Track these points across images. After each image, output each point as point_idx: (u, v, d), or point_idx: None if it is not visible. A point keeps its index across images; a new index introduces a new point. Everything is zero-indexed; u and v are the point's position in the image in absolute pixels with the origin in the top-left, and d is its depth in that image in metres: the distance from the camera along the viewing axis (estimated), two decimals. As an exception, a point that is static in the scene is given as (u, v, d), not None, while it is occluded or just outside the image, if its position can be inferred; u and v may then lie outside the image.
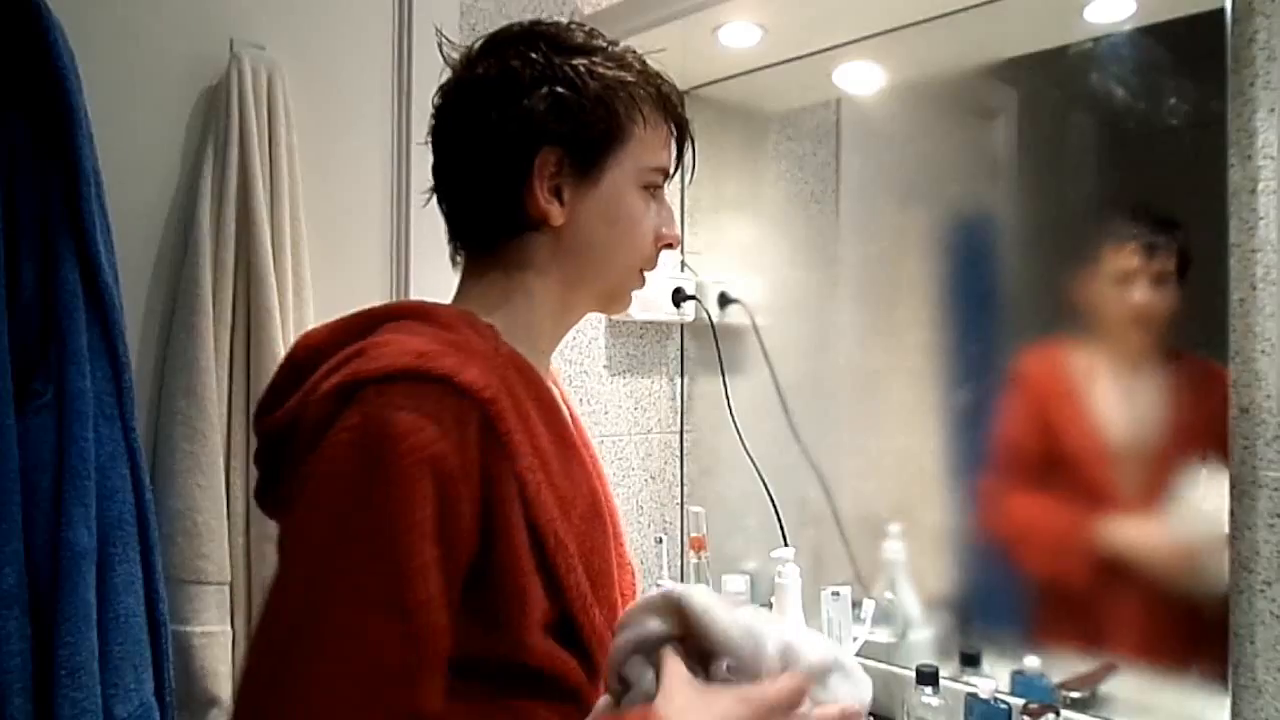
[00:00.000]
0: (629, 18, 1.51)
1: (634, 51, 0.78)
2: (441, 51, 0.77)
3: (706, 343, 1.69)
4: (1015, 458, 1.33)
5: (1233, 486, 1.07)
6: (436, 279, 1.39)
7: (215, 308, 1.12)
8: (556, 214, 0.72)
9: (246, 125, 1.14)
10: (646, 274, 0.80)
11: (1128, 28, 1.20)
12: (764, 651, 0.63)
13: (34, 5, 0.93)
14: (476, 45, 0.75)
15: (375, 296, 1.35)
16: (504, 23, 1.48)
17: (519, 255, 0.74)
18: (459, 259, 0.79)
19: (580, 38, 0.75)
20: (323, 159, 1.28)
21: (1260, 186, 1.06)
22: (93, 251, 0.96)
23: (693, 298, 1.68)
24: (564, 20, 0.77)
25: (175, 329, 1.11)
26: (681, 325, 1.75)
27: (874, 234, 1.51)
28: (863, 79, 1.52)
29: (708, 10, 1.40)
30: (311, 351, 0.68)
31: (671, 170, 0.80)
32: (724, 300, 1.69)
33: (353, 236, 1.33)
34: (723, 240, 1.72)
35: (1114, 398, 1.21)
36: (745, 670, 0.63)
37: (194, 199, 1.13)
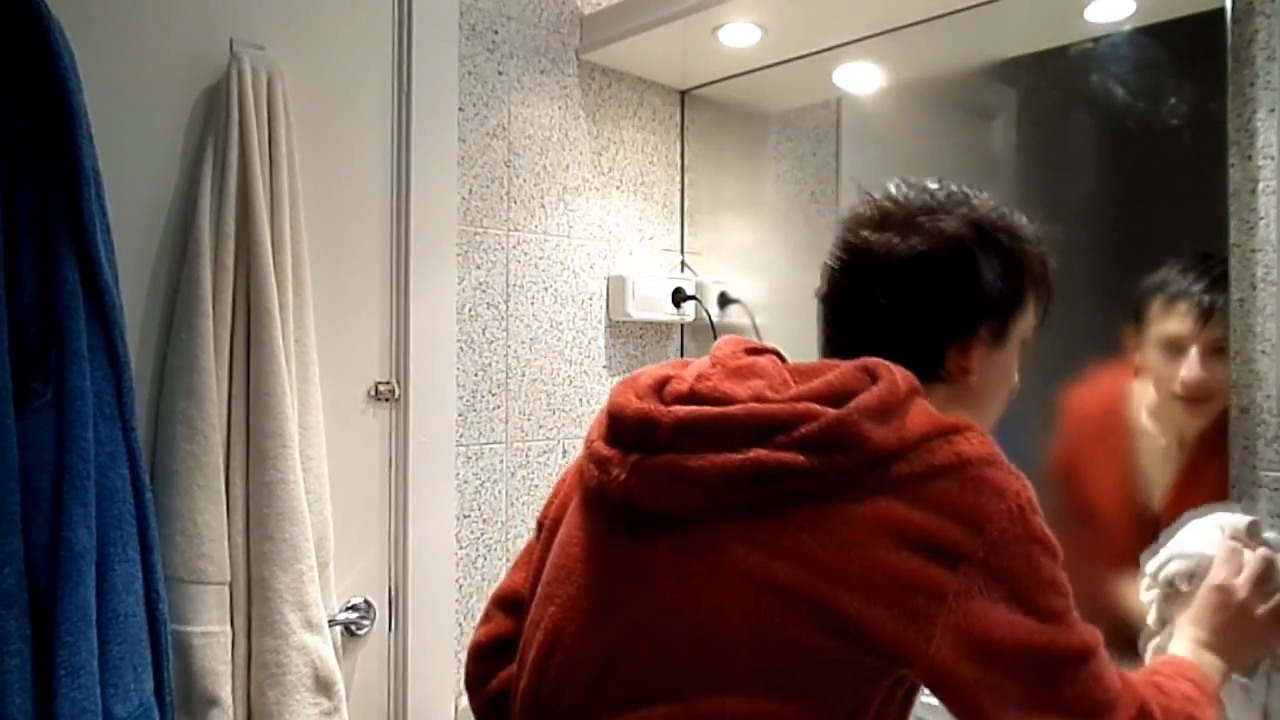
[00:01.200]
0: (629, 18, 1.51)
1: (1036, 226, 0.85)
2: (871, 202, 0.83)
3: (706, 343, 1.68)
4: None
5: (1232, 487, 1.07)
6: (434, 278, 1.40)
7: (215, 307, 1.12)
8: (975, 376, 0.79)
9: (246, 125, 1.14)
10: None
11: (1128, 28, 1.20)
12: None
13: (34, 5, 0.93)
14: (897, 208, 0.81)
15: (375, 296, 1.35)
16: (503, 22, 1.50)
17: (927, 394, 0.77)
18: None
19: (1013, 220, 0.82)
20: (322, 159, 1.28)
21: (1260, 186, 1.06)
22: (93, 251, 0.96)
23: (693, 298, 1.68)
24: (999, 207, 0.82)
25: (175, 329, 1.12)
26: (681, 325, 1.75)
27: (874, 234, 1.51)
28: (862, 79, 1.52)
29: (708, 10, 1.40)
30: (893, 385, 0.70)
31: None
32: (724, 300, 1.69)
33: (352, 236, 1.33)
34: (723, 240, 1.72)
35: (1159, 451, 1.10)
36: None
37: (194, 199, 1.13)
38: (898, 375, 0.70)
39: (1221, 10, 1.08)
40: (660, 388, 0.73)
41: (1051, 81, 1.30)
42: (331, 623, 1.22)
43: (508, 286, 1.51)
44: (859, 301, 0.80)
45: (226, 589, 1.11)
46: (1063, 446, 1.24)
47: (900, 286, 0.78)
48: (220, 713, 1.10)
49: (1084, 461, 1.20)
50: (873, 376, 0.70)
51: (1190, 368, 1.04)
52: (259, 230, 1.14)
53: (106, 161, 1.00)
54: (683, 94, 1.76)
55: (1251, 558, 0.90)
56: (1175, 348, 1.06)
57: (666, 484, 0.68)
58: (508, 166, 1.51)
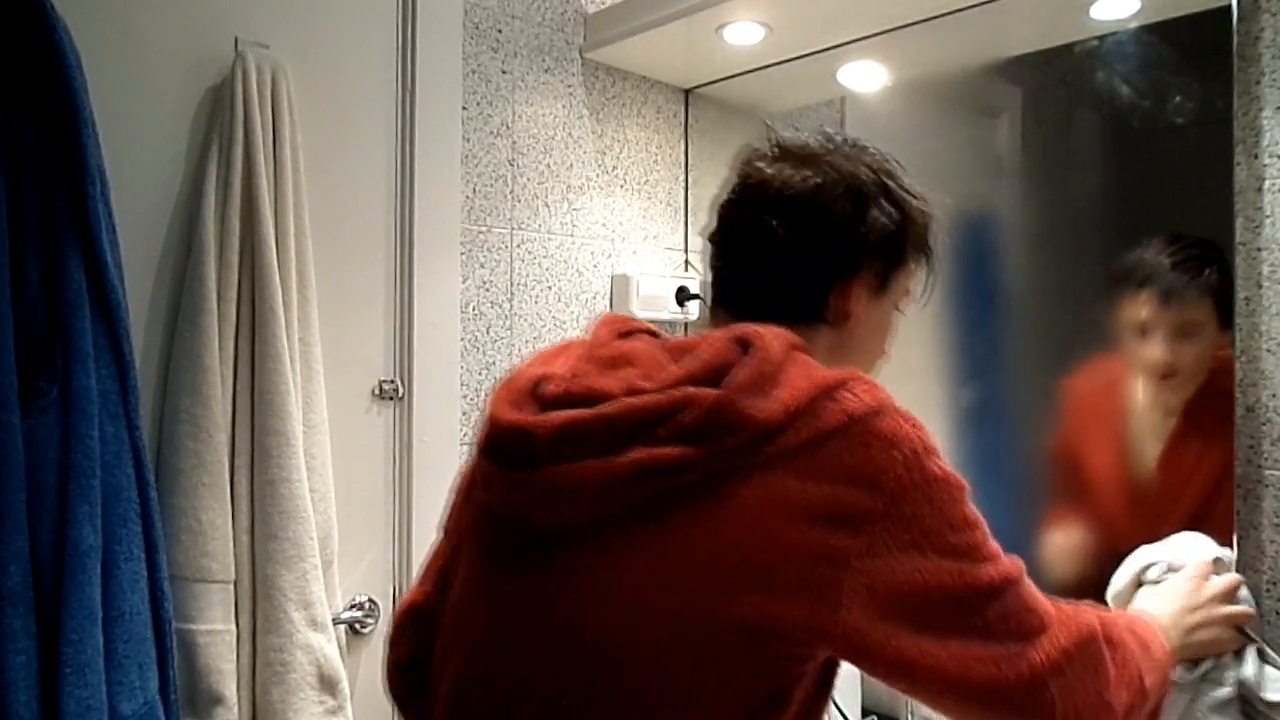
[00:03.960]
0: (633, 17, 1.51)
1: (929, 192, 0.86)
2: (757, 153, 0.82)
3: (710, 342, 1.68)
4: (1055, 479, 1.28)
5: (1238, 486, 1.06)
6: (438, 276, 1.40)
7: (220, 306, 1.12)
8: (859, 319, 0.79)
9: (251, 123, 1.14)
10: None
11: (1133, 25, 1.19)
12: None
13: (39, 4, 0.93)
14: (795, 146, 0.81)
15: (379, 294, 1.35)
16: (507, 21, 1.50)
17: (808, 337, 0.76)
18: (718, 317, 0.82)
19: (894, 165, 0.83)
20: (326, 157, 1.29)
21: (1266, 184, 1.06)
22: (98, 250, 0.96)
23: (697, 296, 1.68)
24: (876, 150, 0.84)
25: (180, 327, 1.12)
26: (686, 324, 1.75)
27: (878, 233, 1.51)
28: (867, 78, 1.52)
29: (711, 9, 1.40)
30: (777, 360, 0.67)
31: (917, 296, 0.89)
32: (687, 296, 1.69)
33: (356, 234, 1.33)
34: (726, 239, 1.72)
35: (1153, 425, 1.14)
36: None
37: (198, 197, 1.13)
38: (770, 338, 0.68)
39: (1227, 8, 1.07)
40: (535, 389, 0.71)
41: (1057, 79, 1.30)
42: (336, 621, 1.23)
43: (511, 285, 1.51)
44: (751, 235, 0.79)
45: (231, 587, 1.11)
46: (1065, 432, 1.27)
47: (792, 216, 0.77)
48: (225, 711, 1.10)
49: (1085, 444, 1.23)
50: (744, 346, 0.68)
51: (1153, 349, 1.08)
52: (263, 229, 1.14)
53: (111, 160, 1.00)
54: (687, 93, 1.76)
55: (1225, 575, 0.99)
56: (1141, 331, 1.10)
57: (552, 499, 0.66)
58: (511, 165, 1.51)
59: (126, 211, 1.04)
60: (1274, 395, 1.05)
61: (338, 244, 1.30)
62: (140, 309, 1.11)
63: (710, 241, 0.84)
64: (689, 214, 1.76)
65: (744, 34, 1.49)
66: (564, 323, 1.58)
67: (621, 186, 1.67)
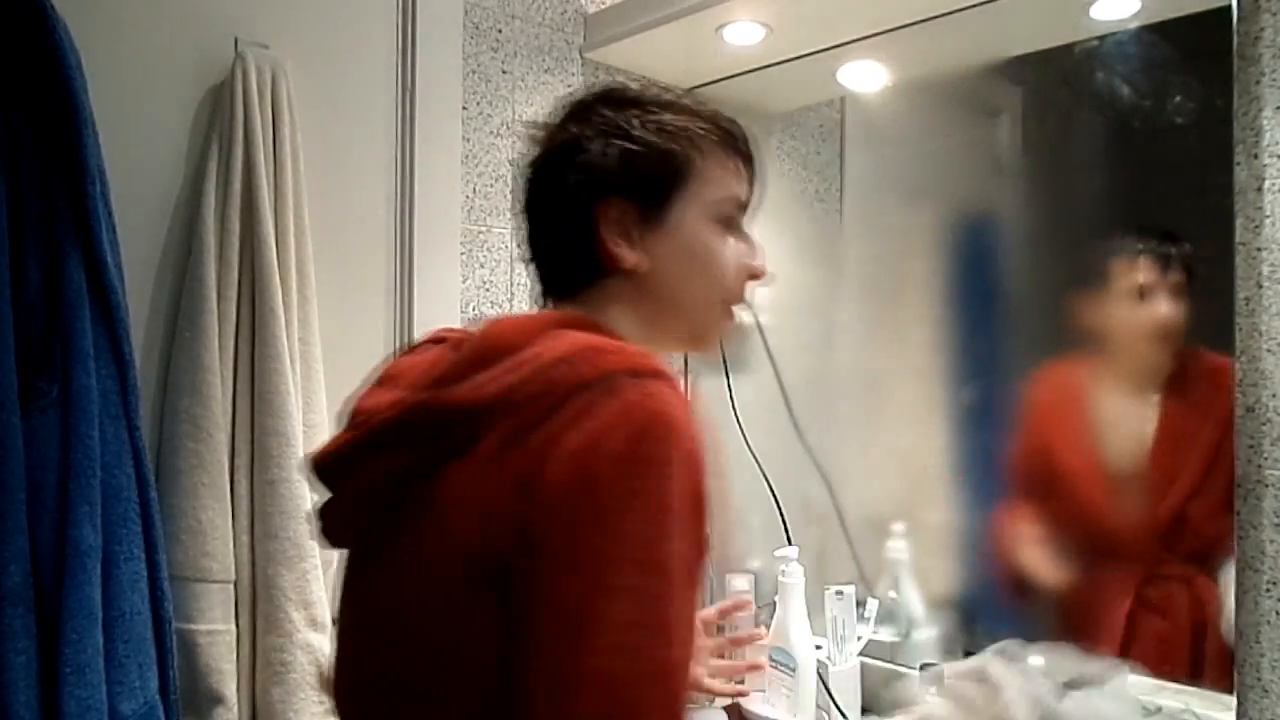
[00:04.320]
0: (633, 17, 1.51)
1: (692, 96, 0.81)
2: (530, 136, 0.81)
3: (710, 342, 1.68)
4: (1024, 485, 1.32)
5: (1238, 486, 1.06)
6: (439, 277, 1.40)
7: (220, 306, 1.12)
8: (628, 256, 0.74)
9: (251, 124, 1.14)
10: (737, 310, 0.82)
11: (1133, 25, 1.19)
12: None
13: (39, 4, 0.93)
14: (554, 119, 0.80)
15: (379, 295, 1.35)
16: (507, 21, 1.50)
17: (601, 299, 0.76)
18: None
19: (634, 92, 0.79)
20: (327, 157, 1.29)
21: (1266, 184, 1.06)
22: (98, 250, 0.96)
23: (696, 297, 1.68)
24: (626, 82, 0.82)
25: (180, 327, 1.12)
26: (685, 324, 1.75)
27: (878, 233, 1.51)
28: (867, 78, 1.52)
29: (711, 9, 1.40)
30: (511, 337, 0.67)
31: (746, 200, 0.82)
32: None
33: (357, 235, 1.33)
34: (727, 239, 1.72)
35: (1128, 414, 1.19)
36: None
37: (198, 197, 1.13)
38: (507, 323, 0.68)
39: (1228, 8, 1.07)
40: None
41: (1057, 79, 1.30)
42: (336, 621, 1.23)
43: (512, 285, 1.51)
44: (525, 210, 0.80)
45: (231, 587, 1.11)
46: (1035, 431, 1.31)
47: (531, 179, 0.78)
48: (225, 711, 1.10)
49: (1058, 440, 1.28)
50: (483, 340, 0.68)
51: (1158, 307, 1.14)
52: (263, 229, 1.14)
53: (111, 160, 1.00)
54: (686, 92, 1.76)
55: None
56: (1140, 294, 1.16)
57: (339, 512, 0.72)
58: (512, 165, 1.51)
59: (126, 211, 1.04)
60: (1274, 395, 1.05)
61: (338, 244, 1.30)
62: (140, 309, 1.11)
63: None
64: (689, 214, 1.76)
65: (744, 34, 1.49)
66: (564, 323, 1.58)
67: (621, 186, 1.67)
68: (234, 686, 1.11)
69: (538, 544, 0.59)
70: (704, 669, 1.03)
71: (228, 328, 1.13)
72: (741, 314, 0.83)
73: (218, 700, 1.09)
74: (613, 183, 0.74)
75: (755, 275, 0.81)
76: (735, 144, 0.80)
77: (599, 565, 0.58)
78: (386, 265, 1.36)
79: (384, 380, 0.74)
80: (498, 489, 0.61)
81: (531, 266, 0.81)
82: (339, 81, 1.31)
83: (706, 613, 1.10)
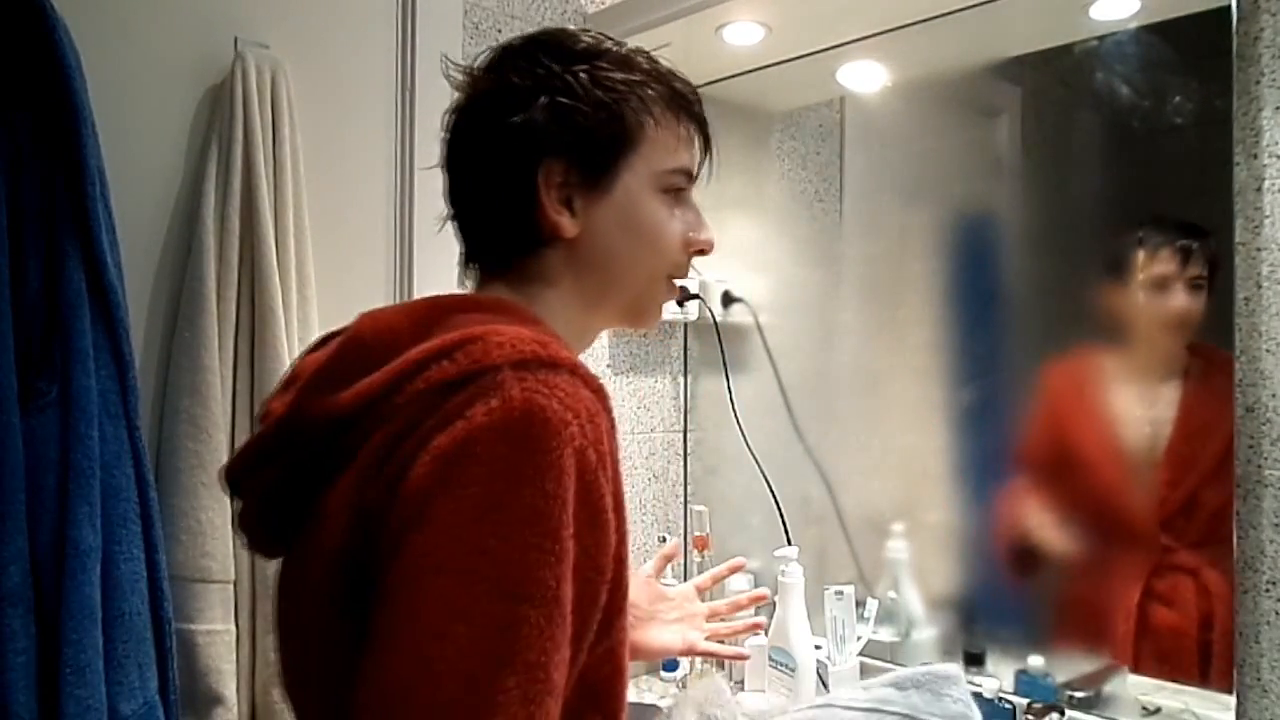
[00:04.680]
0: (632, 16, 1.51)
1: (644, 52, 0.75)
2: (447, 76, 0.74)
3: (710, 342, 1.68)
4: (1035, 471, 1.31)
5: (1238, 485, 1.06)
6: (440, 277, 1.39)
7: (219, 306, 1.12)
8: (568, 225, 0.69)
9: (250, 123, 1.14)
10: (678, 282, 0.77)
11: (1133, 25, 1.19)
12: None
13: (38, 4, 0.93)
14: (478, 63, 0.73)
15: (379, 294, 1.35)
16: (507, 21, 1.50)
17: (536, 270, 0.71)
18: (469, 280, 0.77)
19: (584, 43, 0.71)
20: (326, 157, 1.28)
21: (1266, 184, 1.06)
22: (97, 250, 0.96)
23: (696, 297, 1.68)
24: (570, 27, 0.74)
25: (179, 327, 1.12)
26: (685, 324, 1.75)
27: (877, 233, 1.51)
28: (866, 77, 1.52)
29: (711, 9, 1.40)
30: (385, 334, 0.62)
31: (696, 170, 0.77)
32: (727, 299, 1.69)
33: (357, 234, 1.33)
34: (726, 239, 1.70)
35: (1142, 404, 1.19)
36: None
37: (198, 197, 1.13)
38: (367, 320, 0.64)
39: (1227, 8, 1.07)
40: None
41: (1056, 80, 1.30)
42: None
43: (511, 285, 1.51)
44: (449, 170, 0.73)
45: (231, 587, 1.11)
46: (1049, 417, 1.30)
47: (457, 151, 0.71)
48: (225, 711, 1.10)
49: (1073, 427, 1.27)
50: (351, 339, 0.64)
51: (1178, 298, 1.15)
52: (263, 228, 1.14)
53: (111, 160, 1.00)
54: (636, 47, 1.75)
55: None
56: (1162, 285, 1.16)
57: (248, 524, 0.71)
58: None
59: (126, 211, 1.04)
60: (1274, 395, 1.05)
61: (338, 243, 1.30)
62: (140, 309, 1.11)
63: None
64: (689, 214, 1.76)
65: (743, 34, 1.49)
66: (564, 323, 1.58)
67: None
68: (233, 686, 1.11)
69: (392, 555, 0.54)
70: (699, 633, 1.01)
71: (227, 327, 1.13)
72: (681, 285, 0.79)
73: (217, 700, 1.09)
74: (557, 144, 0.68)
75: (701, 249, 0.76)
76: (689, 108, 0.75)
77: (449, 583, 0.52)
78: (386, 264, 1.36)
79: (288, 381, 0.70)
80: (374, 499, 0.56)
81: (454, 226, 0.75)
82: (339, 81, 1.31)
83: (699, 579, 1.08)
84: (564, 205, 0.69)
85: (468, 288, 0.76)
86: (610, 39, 0.74)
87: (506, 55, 0.71)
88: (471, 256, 0.75)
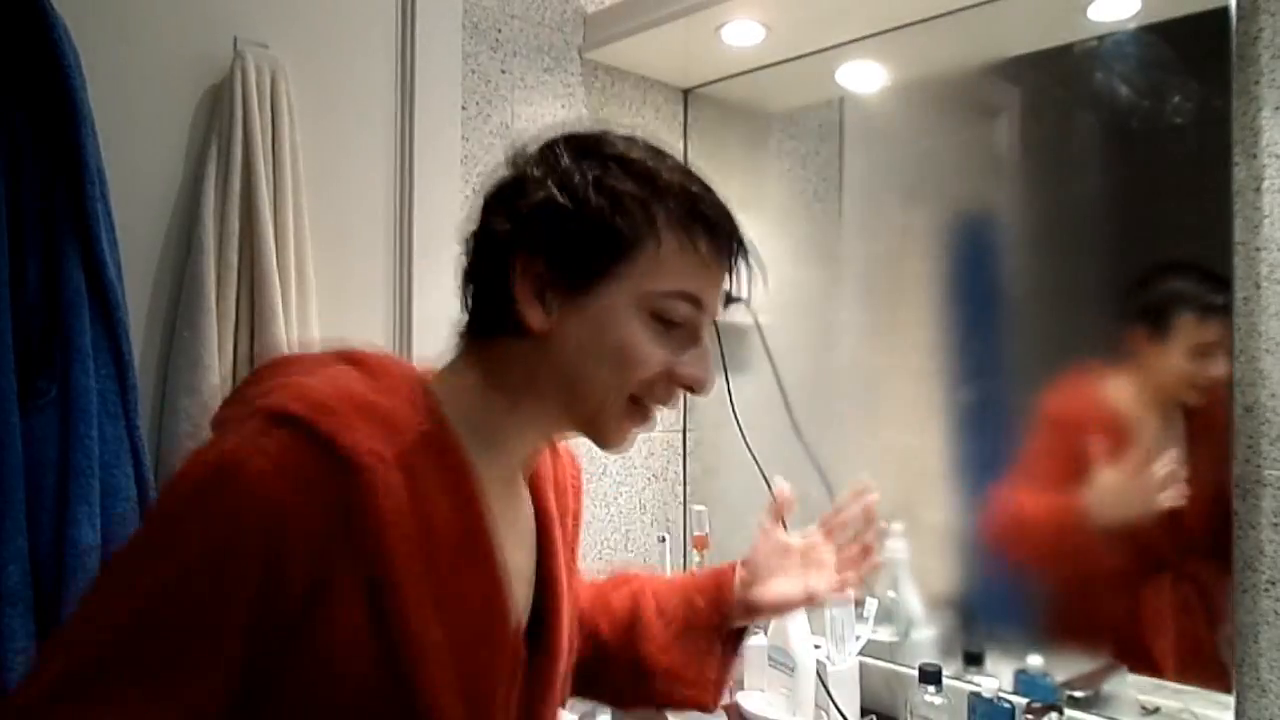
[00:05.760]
0: (632, 16, 1.51)
1: (682, 168, 0.70)
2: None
3: (709, 341, 1.68)
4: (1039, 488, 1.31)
5: (1236, 485, 1.06)
6: (438, 277, 1.40)
7: (219, 306, 1.12)
8: (538, 320, 0.66)
9: (250, 123, 1.14)
10: (652, 409, 0.72)
11: (1132, 26, 1.19)
12: None
13: (38, 4, 0.93)
14: (525, 147, 0.72)
15: (378, 295, 1.35)
16: (506, 21, 1.50)
17: (497, 354, 0.70)
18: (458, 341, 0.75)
19: (613, 146, 0.69)
20: (326, 157, 1.28)
21: (1265, 184, 1.06)
22: (97, 249, 0.96)
23: (695, 297, 1.68)
24: (622, 131, 0.71)
25: (179, 327, 1.12)
26: (684, 324, 1.75)
27: (877, 233, 1.51)
28: (865, 78, 1.52)
29: (710, 9, 1.40)
30: (270, 370, 0.70)
31: (705, 300, 0.71)
32: (726, 299, 1.68)
33: (356, 234, 1.33)
34: (726, 239, 1.72)
35: (1149, 425, 1.18)
36: None
37: (198, 197, 1.13)
38: (277, 361, 0.72)
39: (1226, 9, 1.08)
40: None
41: (1055, 80, 1.30)
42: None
43: (511, 285, 1.51)
44: (471, 234, 0.72)
45: (230, 587, 1.11)
46: (1048, 445, 1.29)
47: (485, 211, 0.70)
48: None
49: (1072, 459, 1.24)
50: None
51: (1220, 366, 1.10)
52: (262, 228, 1.14)
53: (111, 160, 1.00)
54: (685, 93, 1.76)
55: None
56: (1203, 353, 1.13)
57: None
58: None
59: (126, 211, 1.04)
60: (1272, 395, 1.05)
61: (337, 244, 1.30)
62: (139, 308, 1.11)
63: None
64: (688, 214, 1.76)
65: (743, 34, 1.49)
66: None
67: (621, 186, 1.67)
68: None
69: None
70: (824, 580, 0.94)
71: (227, 327, 1.13)
72: (656, 414, 0.73)
73: (217, 700, 1.09)
74: (537, 241, 0.66)
75: (687, 384, 0.71)
76: (711, 230, 0.69)
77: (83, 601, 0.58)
78: (386, 264, 1.36)
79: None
80: None
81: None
82: (338, 81, 1.31)
83: (825, 519, 1.03)
84: (537, 299, 0.67)
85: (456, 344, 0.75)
86: (653, 149, 0.70)
87: (547, 142, 0.71)
88: (464, 326, 0.74)
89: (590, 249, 0.66)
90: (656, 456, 1.73)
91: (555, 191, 0.66)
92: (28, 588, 0.88)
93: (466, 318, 0.72)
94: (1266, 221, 1.05)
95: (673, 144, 1.75)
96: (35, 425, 0.91)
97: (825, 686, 1.29)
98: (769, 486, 1.53)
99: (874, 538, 0.98)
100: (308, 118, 1.24)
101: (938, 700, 1.16)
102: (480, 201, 0.71)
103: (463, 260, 0.72)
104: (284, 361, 0.73)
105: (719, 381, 1.61)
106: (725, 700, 1.38)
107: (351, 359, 0.69)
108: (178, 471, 0.60)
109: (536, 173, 0.67)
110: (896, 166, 1.49)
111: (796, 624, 1.30)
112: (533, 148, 0.71)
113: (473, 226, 0.72)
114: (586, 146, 0.69)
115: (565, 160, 0.67)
